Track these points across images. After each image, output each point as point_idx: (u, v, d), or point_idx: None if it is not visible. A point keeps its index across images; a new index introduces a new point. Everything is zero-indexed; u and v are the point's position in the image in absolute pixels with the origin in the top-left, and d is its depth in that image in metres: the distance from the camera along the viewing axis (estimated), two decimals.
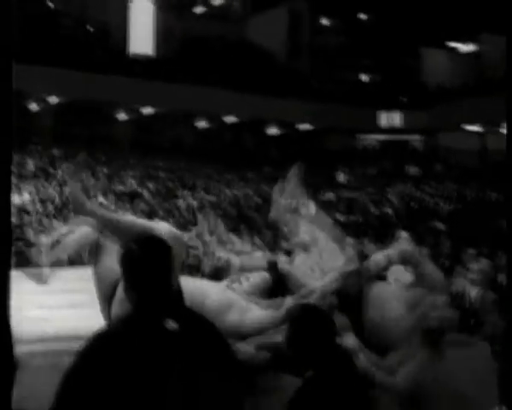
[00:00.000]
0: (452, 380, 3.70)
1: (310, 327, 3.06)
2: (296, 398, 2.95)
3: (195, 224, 15.63)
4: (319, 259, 6.02)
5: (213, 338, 2.67)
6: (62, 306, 5.60)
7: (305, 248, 6.88)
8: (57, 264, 6.31)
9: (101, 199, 19.79)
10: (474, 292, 6.58)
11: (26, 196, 17.94)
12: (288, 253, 9.75)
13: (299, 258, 7.97)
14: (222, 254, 9.69)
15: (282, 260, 5.12)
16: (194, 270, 10.30)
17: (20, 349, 3.91)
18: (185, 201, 21.12)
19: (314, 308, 3.34)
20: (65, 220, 15.06)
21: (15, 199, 17.25)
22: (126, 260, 2.66)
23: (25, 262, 9.12)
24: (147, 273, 2.62)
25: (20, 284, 6.89)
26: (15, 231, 11.55)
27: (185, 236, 11.77)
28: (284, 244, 12.53)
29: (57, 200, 18.74)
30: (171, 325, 2.49)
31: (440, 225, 17.84)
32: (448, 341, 3.82)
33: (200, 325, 2.67)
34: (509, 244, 3.36)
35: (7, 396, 2.21)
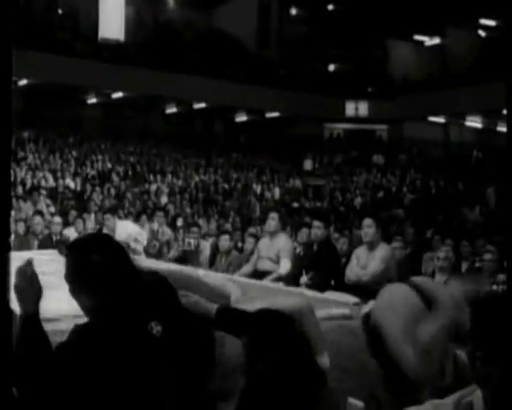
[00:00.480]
0: None
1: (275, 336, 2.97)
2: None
3: (163, 208, 15.58)
4: None
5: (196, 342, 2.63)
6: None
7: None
8: None
9: (69, 181, 19.64)
10: (441, 279, 6.65)
11: None
12: (255, 237, 9.78)
13: (263, 241, 8.03)
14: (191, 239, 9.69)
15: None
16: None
17: None
18: (154, 185, 21.02)
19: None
20: (34, 204, 14.92)
21: None
22: (85, 268, 2.51)
23: None
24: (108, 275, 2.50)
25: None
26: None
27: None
28: (252, 229, 12.56)
29: (28, 183, 18.54)
30: (156, 327, 2.44)
31: (403, 213, 17.98)
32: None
33: (185, 326, 2.61)
34: (510, 245, 3.35)
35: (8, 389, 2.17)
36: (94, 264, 2.48)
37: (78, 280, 2.51)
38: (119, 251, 2.59)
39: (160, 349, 2.42)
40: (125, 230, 9.63)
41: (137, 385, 2.36)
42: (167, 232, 10.90)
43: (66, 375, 2.30)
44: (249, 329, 2.89)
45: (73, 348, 2.35)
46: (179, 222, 12.11)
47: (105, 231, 9.56)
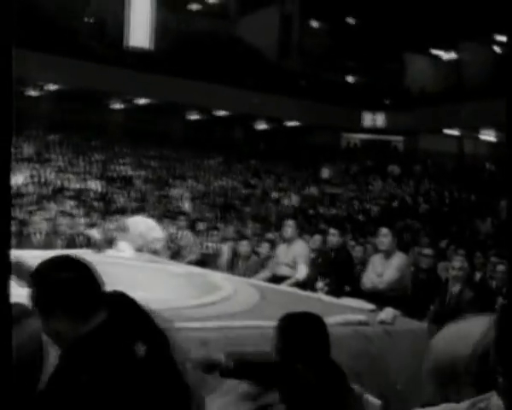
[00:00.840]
0: None
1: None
2: None
3: (185, 213, 15.62)
4: None
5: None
6: None
7: None
8: None
9: (93, 184, 19.74)
10: (455, 288, 6.63)
11: (22, 179, 17.86)
12: (271, 242, 9.79)
13: (281, 247, 8.03)
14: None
15: None
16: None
17: None
18: (175, 189, 21.10)
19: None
20: (58, 204, 15.01)
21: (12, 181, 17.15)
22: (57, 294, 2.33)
23: (20, 243, 9.10)
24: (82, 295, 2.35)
25: None
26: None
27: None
28: (269, 235, 12.58)
29: (53, 184, 18.68)
30: (140, 348, 2.32)
31: (418, 224, 17.92)
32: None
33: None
34: (510, 248, 3.35)
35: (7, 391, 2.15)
36: (68, 285, 2.31)
37: (51, 305, 2.31)
38: (89, 271, 2.41)
39: (145, 370, 2.31)
40: (136, 227, 9.27)
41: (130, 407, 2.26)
42: (187, 236, 10.84)
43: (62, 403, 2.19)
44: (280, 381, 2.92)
45: (70, 375, 2.20)
46: (200, 226, 12.12)
47: (118, 231, 9.36)
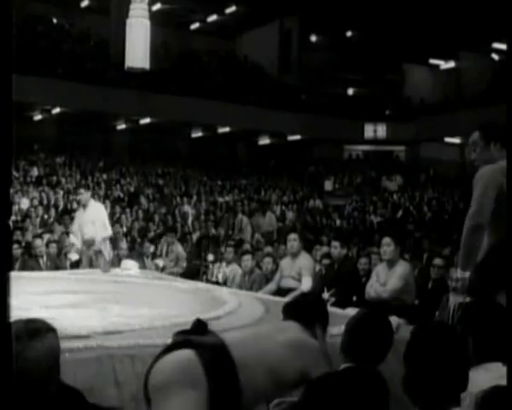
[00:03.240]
0: None
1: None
2: None
3: (189, 232, 15.62)
4: None
5: None
6: (64, 305, 5.57)
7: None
8: None
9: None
10: (455, 300, 6.59)
11: (28, 202, 17.89)
12: (273, 256, 9.80)
13: (286, 261, 8.04)
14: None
15: None
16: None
17: None
18: (181, 207, 21.10)
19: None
20: (66, 227, 15.02)
21: (19, 204, 17.22)
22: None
23: (27, 265, 9.12)
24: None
25: (25, 286, 6.90)
26: (16, 233, 11.54)
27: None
28: (268, 249, 12.56)
29: (60, 206, 18.70)
30: None
31: (421, 233, 17.87)
32: None
33: None
34: (510, 250, 3.36)
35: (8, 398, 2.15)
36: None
37: None
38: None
39: None
40: (99, 212, 9.89)
41: None
42: (178, 249, 11.56)
43: None
44: None
45: None
46: (210, 257, 12.24)
47: (79, 205, 10.27)
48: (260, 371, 3.12)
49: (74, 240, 9.88)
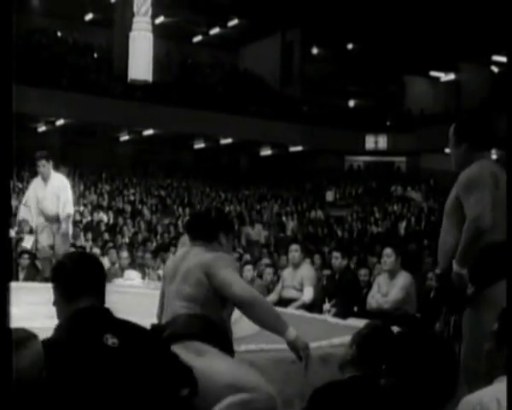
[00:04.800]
0: None
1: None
2: None
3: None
4: None
5: (154, 354, 2.60)
6: None
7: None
8: None
9: (102, 215, 19.75)
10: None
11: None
12: (273, 266, 9.77)
13: (287, 271, 8.02)
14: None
15: None
16: None
17: None
18: (184, 218, 21.10)
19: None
20: (74, 238, 15.00)
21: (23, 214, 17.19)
22: (58, 273, 2.71)
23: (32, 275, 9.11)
24: (79, 282, 2.62)
25: (28, 296, 6.89)
26: (21, 245, 11.49)
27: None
28: (265, 260, 12.52)
29: None
30: (111, 340, 2.45)
31: (421, 243, 17.84)
32: None
33: (140, 339, 2.61)
34: (509, 253, 3.35)
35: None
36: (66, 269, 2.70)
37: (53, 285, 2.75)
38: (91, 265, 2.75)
39: (117, 360, 2.42)
40: (64, 184, 8.76)
41: (99, 397, 2.36)
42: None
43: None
44: None
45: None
46: None
47: (38, 178, 8.80)
48: None
49: (26, 215, 8.77)
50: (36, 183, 8.82)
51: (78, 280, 2.62)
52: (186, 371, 2.90)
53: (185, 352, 3.17)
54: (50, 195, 8.50)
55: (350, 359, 3.18)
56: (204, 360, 3.20)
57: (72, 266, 2.67)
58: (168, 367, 2.67)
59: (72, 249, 8.82)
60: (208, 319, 3.40)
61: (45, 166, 8.64)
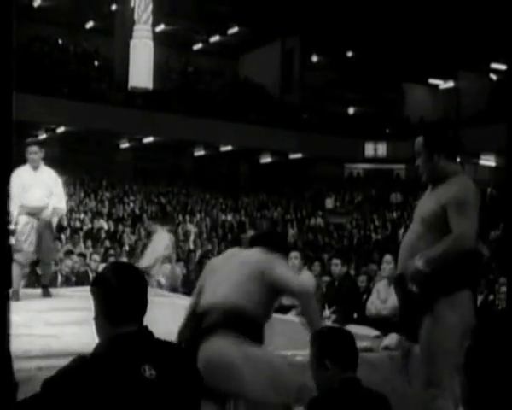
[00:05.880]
0: None
1: None
2: None
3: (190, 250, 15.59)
4: None
5: (192, 385, 2.48)
6: (67, 323, 5.56)
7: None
8: None
9: (103, 222, 19.75)
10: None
11: None
12: None
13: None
14: None
15: None
16: None
17: (28, 365, 3.89)
18: (184, 225, 21.11)
19: None
20: (74, 245, 15.01)
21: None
22: (102, 290, 2.47)
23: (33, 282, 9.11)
24: (124, 309, 2.42)
25: (29, 303, 6.89)
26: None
27: None
28: None
29: (64, 224, 18.67)
30: (149, 371, 2.32)
31: None
32: None
33: (180, 370, 2.46)
34: (509, 256, 3.36)
35: None
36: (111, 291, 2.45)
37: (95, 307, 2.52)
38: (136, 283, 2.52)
39: (153, 392, 2.29)
40: (56, 176, 8.01)
41: None
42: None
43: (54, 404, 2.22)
44: None
45: (65, 377, 2.27)
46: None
47: (26, 166, 7.67)
48: None
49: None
50: (23, 170, 7.62)
51: (125, 304, 2.41)
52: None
53: (227, 342, 3.41)
54: (41, 182, 7.65)
55: (329, 376, 3.17)
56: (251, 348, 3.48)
57: (119, 287, 2.43)
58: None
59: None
60: (246, 314, 3.54)
61: (37, 153, 7.75)
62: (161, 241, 10.86)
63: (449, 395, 3.67)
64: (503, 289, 7.78)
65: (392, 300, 6.82)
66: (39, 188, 7.56)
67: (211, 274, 3.80)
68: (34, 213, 7.48)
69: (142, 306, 2.48)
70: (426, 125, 29.94)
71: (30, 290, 8.11)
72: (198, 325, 3.53)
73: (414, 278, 3.79)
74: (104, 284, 2.47)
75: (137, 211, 22.52)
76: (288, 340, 5.09)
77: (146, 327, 2.46)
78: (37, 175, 7.64)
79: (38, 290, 7.93)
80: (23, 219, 7.38)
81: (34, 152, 7.69)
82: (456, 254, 3.77)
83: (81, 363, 2.32)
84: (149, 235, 18.75)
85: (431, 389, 3.77)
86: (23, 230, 7.36)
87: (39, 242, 7.51)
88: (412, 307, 3.98)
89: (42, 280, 8.00)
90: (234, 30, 31.12)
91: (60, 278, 10.38)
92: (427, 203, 4.13)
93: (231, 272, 3.68)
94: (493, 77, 30.13)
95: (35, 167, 7.66)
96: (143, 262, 10.66)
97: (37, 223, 7.48)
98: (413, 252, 3.92)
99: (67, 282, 10.32)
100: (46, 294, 7.68)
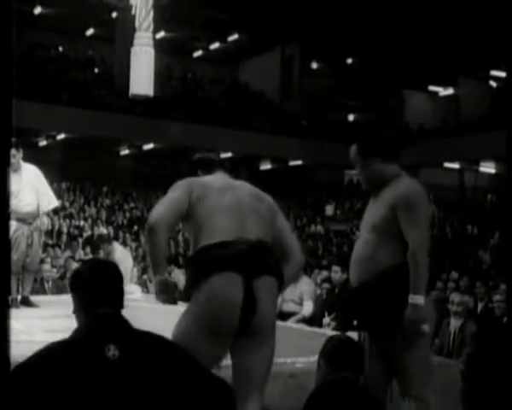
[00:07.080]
0: None
1: None
2: None
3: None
4: None
5: (162, 366, 2.47)
6: (68, 329, 5.52)
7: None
8: None
9: (102, 229, 19.74)
10: (456, 323, 6.56)
11: None
12: None
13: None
14: None
15: None
16: None
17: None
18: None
19: None
20: (73, 252, 15.00)
21: None
22: (76, 281, 2.67)
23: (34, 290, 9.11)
24: (95, 294, 2.58)
25: (29, 310, 6.89)
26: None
27: None
28: None
29: (64, 231, 18.69)
30: (113, 351, 2.38)
31: None
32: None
33: (147, 351, 2.48)
34: (509, 262, 3.33)
35: None
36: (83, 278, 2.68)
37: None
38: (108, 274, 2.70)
39: (113, 373, 2.34)
40: (39, 175, 7.54)
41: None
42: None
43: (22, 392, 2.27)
44: None
45: (33, 364, 2.36)
46: None
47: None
48: None
49: None
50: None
51: (97, 288, 2.58)
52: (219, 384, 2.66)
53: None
54: (28, 185, 7.23)
55: (323, 375, 3.23)
56: None
57: (90, 274, 2.64)
58: (189, 383, 2.51)
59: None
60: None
61: (15, 156, 7.06)
62: None
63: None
64: (498, 297, 7.74)
65: None
66: (27, 192, 7.22)
67: (215, 195, 3.58)
68: (25, 218, 7.21)
69: (114, 292, 2.62)
70: (425, 132, 29.99)
71: (32, 297, 8.09)
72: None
73: (412, 315, 3.52)
74: (77, 275, 2.70)
75: (137, 218, 22.50)
76: (288, 347, 5.06)
77: (119, 313, 2.58)
78: (23, 177, 7.22)
79: (39, 298, 7.92)
80: (13, 225, 6.98)
81: (13, 155, 6.95)
82: (426, 262, 3.58)
83: (50, 347, 2.43)
84: None
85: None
86: (12, 237, 7.00)
87: (28, 249, 7.25)
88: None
89: (22, 292, 7.44)
90: (234, 37, 31.16)
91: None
92: (373, 211, 3.83)
93: (252, 200, 3.61)
94: (493, 84, 30.18)
95: (16, 170, 7.14)
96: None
97: (27, 229, 7.21)
98: (374, 265, 3.67)
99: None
100: (29, 305, 7.25)
